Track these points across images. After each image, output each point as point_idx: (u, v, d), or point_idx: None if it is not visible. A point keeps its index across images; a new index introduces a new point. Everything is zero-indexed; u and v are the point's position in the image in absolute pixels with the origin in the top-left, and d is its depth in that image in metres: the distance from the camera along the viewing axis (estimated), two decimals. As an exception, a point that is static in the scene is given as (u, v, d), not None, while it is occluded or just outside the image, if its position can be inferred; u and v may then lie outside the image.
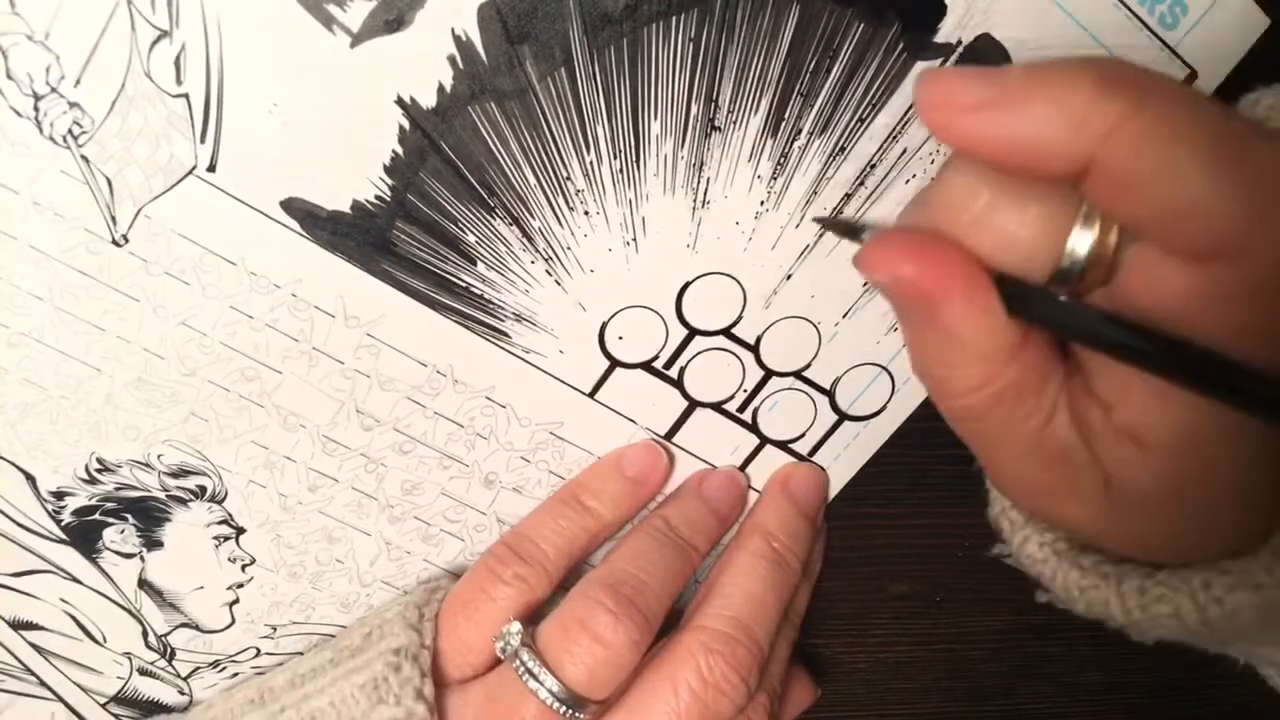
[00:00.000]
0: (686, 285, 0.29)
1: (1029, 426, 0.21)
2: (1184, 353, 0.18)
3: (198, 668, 0.34)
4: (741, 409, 0.32)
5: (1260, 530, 0.21)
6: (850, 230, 0.26)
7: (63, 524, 0.30)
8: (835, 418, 0.32)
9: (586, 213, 0.27)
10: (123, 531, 0.30)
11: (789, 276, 0.29)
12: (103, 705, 0.33)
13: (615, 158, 0.26)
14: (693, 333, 0.30)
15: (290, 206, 0.26)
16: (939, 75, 0.18)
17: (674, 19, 0.24)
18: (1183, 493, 0.20)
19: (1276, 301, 0.17)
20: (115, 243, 0.26)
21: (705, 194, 0.27)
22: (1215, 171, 0.17)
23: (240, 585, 0.32)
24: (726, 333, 0.30)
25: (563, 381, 0.30)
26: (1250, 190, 0.17)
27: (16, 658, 0.32)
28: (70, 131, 0.24)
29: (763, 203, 0.28)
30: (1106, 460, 0.21)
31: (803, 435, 0.33)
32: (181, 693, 0.34)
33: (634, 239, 0.28)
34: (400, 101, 0.25)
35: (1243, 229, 0.17)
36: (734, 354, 0.31)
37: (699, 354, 0.30)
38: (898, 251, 0.20)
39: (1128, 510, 0.22)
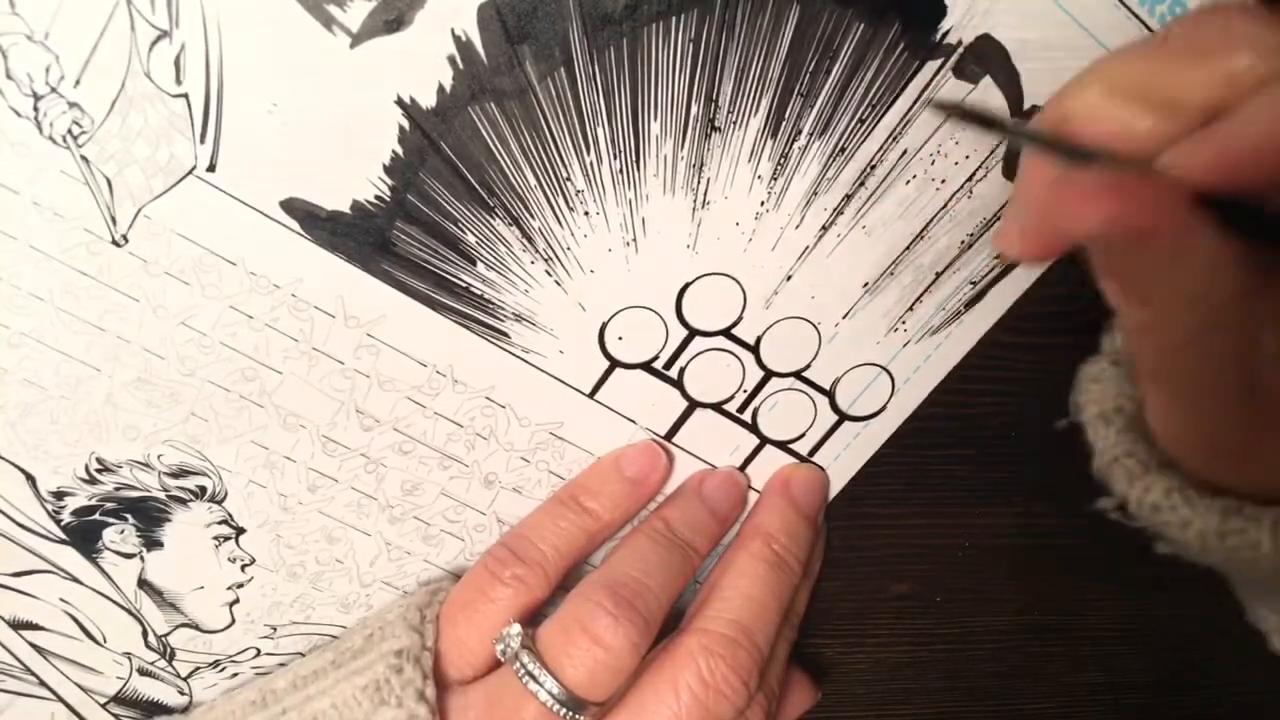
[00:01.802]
0: (686, 286, 0.29)
1: (1230, 354, 0.20)
2: None
3: (198, 668, 0.34)
4: (741, 409, 0.32)
5: None
6: (983, 120, 0.24)
7: (63, 524, 0.30)
8: (835, 418, 0.32)
9: (586, 213, 0.27)
10: (123, 531, 0.30)
11: (789, 277, 0.29)
12: (103, 705, 0.33)
13: (615, 158, 0.26)
14: (693, 333, 0.30)
15: (290, 206, 0.26)
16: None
17: (674, 19, 0.24)
18: None
19: None
20: (115, 243, 0.26)
21: (705, 194, 0.27)
22: None
23: (240, 585, 0.32)
24: (726, 333, 0.30)
25: (563, 382, 0.30)
26: None
27: (16, 658, 0.32)
28: (70, 131, 0.24)
29: (763, 203, 0.28)
30: None
31: (803, 435, 0.33)
32: (181, 693, 0.34)
33: (634, 239, 0.28)
34: (400, 101, 0.25)
35: None
36: (734, 354, 0.31)
37: (699, 354, 0.30)
38: (1104, 194, 0.19)
39: None
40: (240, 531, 0.31)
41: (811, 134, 0.27)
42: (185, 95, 0.24)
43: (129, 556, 0.31)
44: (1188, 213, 0.19)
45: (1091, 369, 0.27)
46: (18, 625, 0.31)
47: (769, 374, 0.31)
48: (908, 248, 0.29)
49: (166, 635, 0.33)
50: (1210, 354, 0.21)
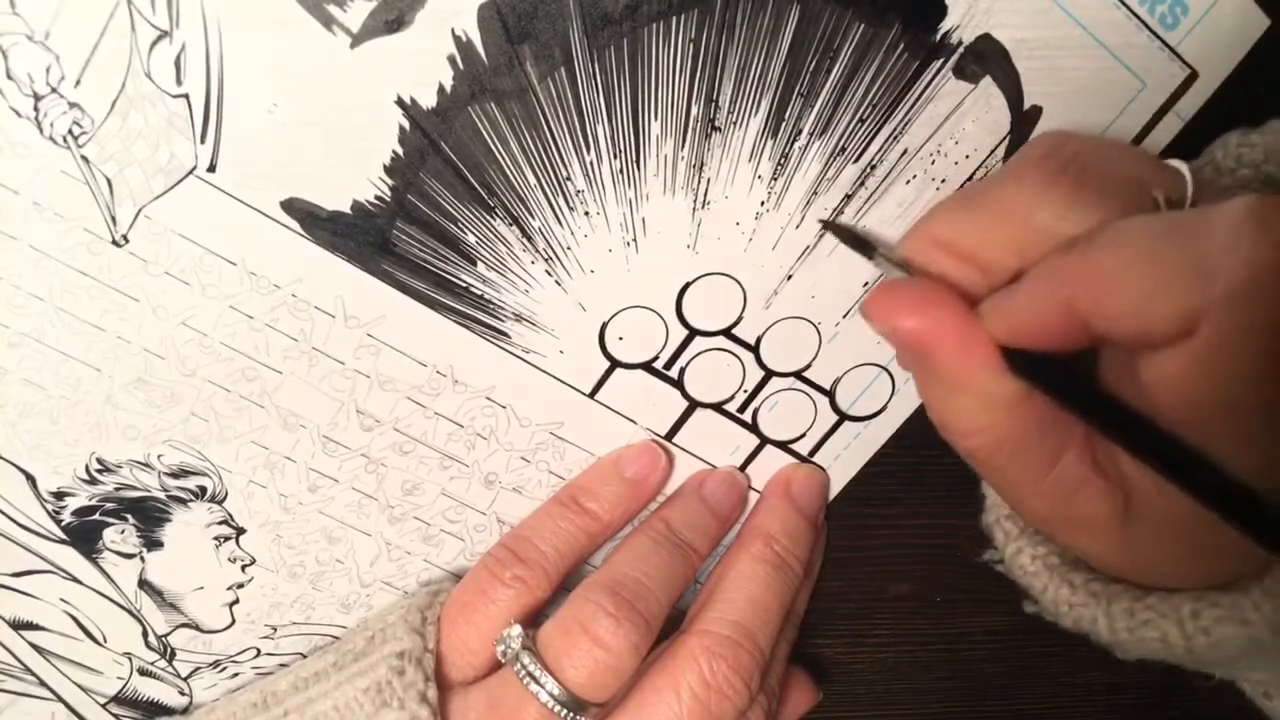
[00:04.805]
0: (687, 285, 0.29)
1: (1036, 469, 0.22)
2: (1160, 444, 0.19)
3: (198, 668, 0.34)
4: (742, 409, 0.32)
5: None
6: (860, 243, 0.26)
7: (63, 524, 0.30)
8: (835, 418, 0.32)
9: (586, 213, 0.27)
10: (123, 531, 0.30)
11: (789, 277, 0.29)
12: (103, 705, 0.33)
13: (615, 158, 0.26)
14: (693, 333, 0.30)
15: (290, 206, 0.26)
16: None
17: (674, 19, 0.24)
18: (1199, 520, 0.21)
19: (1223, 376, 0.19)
20: (115, 243, 0.26)
21: (705, 194, 0.27)
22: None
23: (240, 585, 0.32)
24: (727, 333, 0.30)
25: (563, 382, 0.30)
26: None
27: (16, 658, 0.32)
28: (70, 132, 0.24)
29: (763, 203, 0.28)
30: (1134, 485, 0.22)
31: (803, 435, 0.33)
32: (182, 693, 0.34)
33: (634, 239, 0.28)
34: (400, 101, 0.25)
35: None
36: (734, 354, 0.31)
37: (699, 354, 0.30)
38: (902, 302, 0.22)
39: (1145, 538, 0.22)
40: (240, 531, 0.31)
41: (812, 134, 0.27)
42: (185, 95, 0.24)
43: (129, 556, 0.31)
44: (966, 343, 0.22)
45: None
46: (18, 625, 0.31)
47: (769, 374, 0.31)
48: (908, 247, 0.29)
49: (167, 635, 0.33)
50: (1004, 472, 0.23)
